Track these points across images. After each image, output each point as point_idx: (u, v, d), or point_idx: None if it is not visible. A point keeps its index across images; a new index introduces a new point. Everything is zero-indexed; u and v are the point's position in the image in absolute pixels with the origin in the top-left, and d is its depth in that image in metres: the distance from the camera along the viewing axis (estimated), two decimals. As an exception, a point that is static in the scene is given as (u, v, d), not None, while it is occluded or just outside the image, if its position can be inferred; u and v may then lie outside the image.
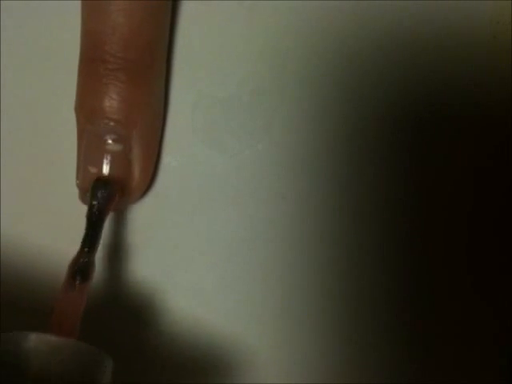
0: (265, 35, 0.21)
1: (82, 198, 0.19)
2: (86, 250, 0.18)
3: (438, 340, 0.20)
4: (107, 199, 0.19)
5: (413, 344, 0.20)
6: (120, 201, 0.19)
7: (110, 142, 0.19)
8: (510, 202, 0.20)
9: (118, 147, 0.19)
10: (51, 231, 0.21)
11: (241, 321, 0.20)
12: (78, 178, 0.20)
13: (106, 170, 0.19)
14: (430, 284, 0.20)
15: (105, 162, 0.19)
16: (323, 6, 0.21)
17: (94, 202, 0.18)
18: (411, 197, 0.21)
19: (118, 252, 0.20)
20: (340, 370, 0.20)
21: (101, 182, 0.19)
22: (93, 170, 0.19)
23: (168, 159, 0.21)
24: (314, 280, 0.20)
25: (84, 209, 0.19)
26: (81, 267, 0.18)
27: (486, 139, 0.21)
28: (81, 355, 0.16)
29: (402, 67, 0.21)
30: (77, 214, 0.20)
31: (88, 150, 0.19)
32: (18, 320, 0.19)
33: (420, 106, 0.21)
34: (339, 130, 0.21)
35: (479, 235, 0.20)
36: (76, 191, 0.20)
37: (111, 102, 0.19)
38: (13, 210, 0.21)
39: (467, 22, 0.21)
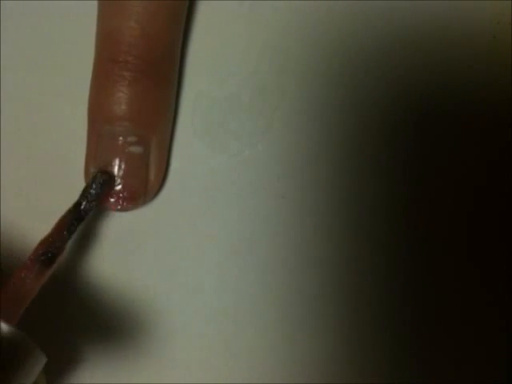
0: (265, 35, 0.21)
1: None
2: (64, 233, 0.18)
3: (438, 340, 0.20)
4: (103, 193, 0.19)
5: (413, 344, 0.20)
6: (135, 202, 0.19)
7: (130, 144, 0.19)
8: (511, 201, 0.20)
9: (138, 149, 0.19)
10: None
11: (240, 321, 0.20)
12: (86, 177, 0.19)
13: (125, 171, 0.19)
14: (431, 284, 0.20)
15: (124, 163, 0.19)
16: (323, 5, 0.21)
17: (92, 191, 0.18)
18: (411, 196, 0.21)
19: (118, 252, 0.20)
20: (340, 369, 0.20)
21: (103, 175, 0.19)
22: (111, 170, 0.19)
23: (168, 159, 0.21)
24: (313, 280, 0.20)
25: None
26: (52, 250, 0.17)
27: (486, 139, 0.21)
28: (12, 343, 0.15)
29: (401, 67, 0.21)
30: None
31: (106, 151, 0.19)
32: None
33: (420, 105, 0.21)
34: (339, 129, 0.21)
35: (480, 235, 0.20)
36: (75, 190, 0.20)
37: (133, 105, 0.19)
38: (13, 210, 0.21)
39: (467, 21, 0.21)
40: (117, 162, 0.19)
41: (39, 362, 0.16)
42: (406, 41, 0.21)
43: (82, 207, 0.18)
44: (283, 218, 0.20)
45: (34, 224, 0.21)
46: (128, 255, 0.20)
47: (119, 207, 0.19)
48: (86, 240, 0.20)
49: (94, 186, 0.18)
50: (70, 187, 0.20)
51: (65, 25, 0.21)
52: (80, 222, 0.18)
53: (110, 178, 0.19)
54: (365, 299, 0.20)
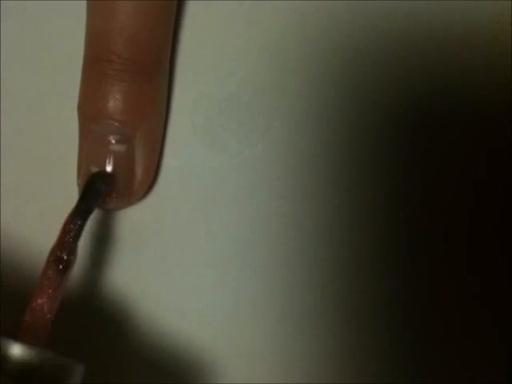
0: (265, 35, 0.21)
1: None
2: (66, 238, 0.17)
3: (438, 341, 0.20)
4: (100, 193, 0.19)
5: (413, 344, 0.20)
6: (121, 200, 0.19)
7: (113, 142, 0.19)
8: (511, 202, 0.20)
9: (121, 148, 0.19)
10: (51, 231, 0.20)
11: (240, 321, 0.20)
12: (78, 177, 0.20)
13: (108, 170, 0.19)
14: (431, 285, 0.20)
15: (108, 162, 0.19)
16: (323, 5, 0.21)
17: (90, 191, 0.18)
18: (411, 197, 0.21)
19: (117, 252, 0.20)
20: (340, 370, 0.20)
21: (99, 175, 0.19)
22: (95, 169, 0.19)
23: (168, 159, 0.21)
24: (313, 280, 0.20)
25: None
26: (64, 255, 0.17)
27: (486, 139, 0.21)
28: (49, 365, 0.15)
29: (401, 67, 0.21)
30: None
31: (91, 149, 0.19)
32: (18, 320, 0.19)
33: (420, 105, 0.21)
34: (339, 129, 0.21)
35: (480, 235, 0.20)
36: (76, 191, 0.20)
37: (116, 103, 0.19)
38: (13, 210, 0.21)
39: (467, 22, 0.21)
40: (102, 160, 0.19)
41: (79, 374, 0.16)
42: (405, 41, 0.21)
43: (83, 207, 0.18)
44: (283, 218, 0.20)
45: (35, 224, 0.21)
46: (128, 255, 0.20)
47: (106, 206, 0.19)
48: (85, 240, 0.20)
49: (92, 186, 0.18)
50: (69, 187, 0.20)
51: (65, 25, 0.21)
52: (84, 223, 0.18)
53: (107, 177, 0.19)
54: (365, 299, 0.20)
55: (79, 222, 0.18)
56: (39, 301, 0.16)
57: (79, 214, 0.18)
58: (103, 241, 0.20)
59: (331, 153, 0.21)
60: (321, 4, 0.21)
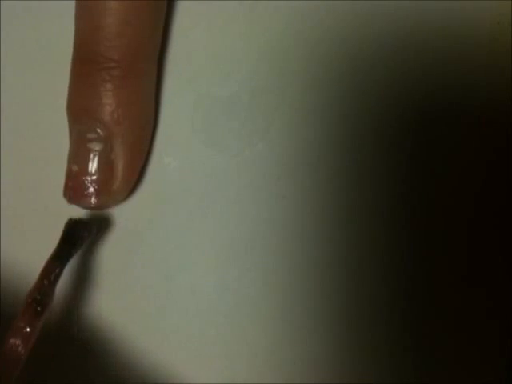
0: (265, 35, 0.21)
1: (64, 194, 0.19)
2: (45, 282, 0.18)
3: (437, 340, 0.20)
4: (82, 239, 0.19)
5: (413, 344, 0.20)
6: (103, 200, 0.19)
7: (91, 140, 0.19)
8: (511, 202, 0.20)
9: (98, 146, 0.19)
10: (51, 231, 0.20)
11: (240, 321, 0.20)
12: (66, 175, 0.20)
13: (87, 168, 0.19)
14: (431, 284, 0.20)
15: (86, 160, 0.19)
16: (323, 5, 0.21)
17: (69, 238, 0.19)
18: (411, 197, 0.21)
19: (117, 252, 0.20)
20: (340, 369, 0.20)
21: (79, 221, 0.19)
22: (74, 168, 0.19)
23: (168, 159, 0.21)
24: (313, 280, 0.20)
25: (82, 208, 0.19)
26: (39, 300, 0.17)
27: (486, 139, 0.21)
28: None
29: (401, 67, 0.21)
30: (76, 214, 0.20)
31: (73, 148, 0.19)
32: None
33: (420, 106, 0.21)
34: (339, 129, 0.21)
35: (480, 235, 0.20)
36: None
37: (95, 102, 0.19)
38: (12, 210, 0.21)
39: (467, 22, 0.21)
40: (81, 158, 0.19)
41: None
42: (406, 41, 0.21)
43: (64, 253, 0.18)
44: (284, 218, 0.20)
45: (34, 224, 0.21)
46: (128, 255, 0.20)
47: (88, 205, 0.19)
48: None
49: (73, 231, 0.19)
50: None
51: (65, 25, 0.21)
52: (63, 268, 0.18)
53: (87, 224, 0.19)
54: (365, 299, 0.20)
55: (59, 268, 0.18)
56: (14, 341, 0.17)
57: (59, 259, 0.18)
58: (103, 241, 0.20)
59: (331, 153, 0.21)
60: (321, 4, 0.21)
